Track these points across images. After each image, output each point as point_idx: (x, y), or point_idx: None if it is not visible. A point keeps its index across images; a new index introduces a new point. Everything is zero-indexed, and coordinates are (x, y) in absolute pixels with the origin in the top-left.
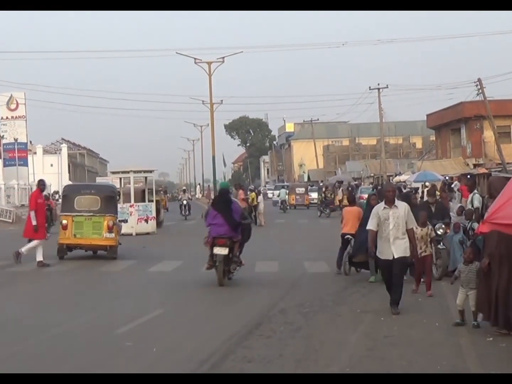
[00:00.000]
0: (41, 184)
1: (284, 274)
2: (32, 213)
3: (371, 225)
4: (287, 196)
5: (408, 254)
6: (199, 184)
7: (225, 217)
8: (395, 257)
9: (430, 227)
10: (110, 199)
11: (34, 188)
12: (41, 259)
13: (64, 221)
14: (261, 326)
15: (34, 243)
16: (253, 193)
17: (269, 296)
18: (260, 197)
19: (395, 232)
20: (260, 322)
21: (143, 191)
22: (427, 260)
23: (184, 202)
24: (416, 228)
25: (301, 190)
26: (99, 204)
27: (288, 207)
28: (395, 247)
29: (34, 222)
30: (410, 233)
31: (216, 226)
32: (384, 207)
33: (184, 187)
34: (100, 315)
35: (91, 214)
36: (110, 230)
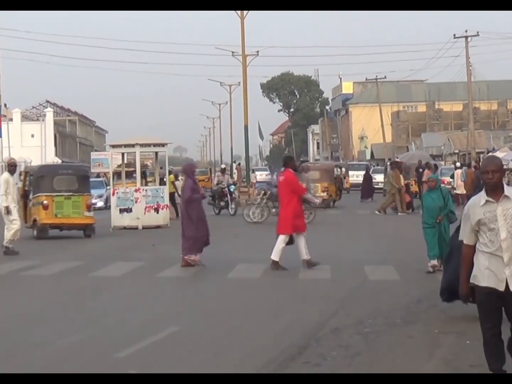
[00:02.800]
0: (296, 161)
1: (339, 282)
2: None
3: (465, 236)
4: None
5: None
6: (237, 162)
7: None
8: None
9: None
10: (85, 179)
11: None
12: (308, 257)
13: (45, 201)
14: (307, 351)
15: (281, 242)
16: (172, 175)
17: (318, 311)
18: (178, 183)
19: (511, 243)
20: (305, 346)
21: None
22: None
23: (230, 188)
24: None
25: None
26: (77, 184)
27: None
28: None
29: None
30: None
31: None
32: (487, 201)
33: (224, 165)
34: (96, 333)
35: (70, 194)
36: (89, 208)
